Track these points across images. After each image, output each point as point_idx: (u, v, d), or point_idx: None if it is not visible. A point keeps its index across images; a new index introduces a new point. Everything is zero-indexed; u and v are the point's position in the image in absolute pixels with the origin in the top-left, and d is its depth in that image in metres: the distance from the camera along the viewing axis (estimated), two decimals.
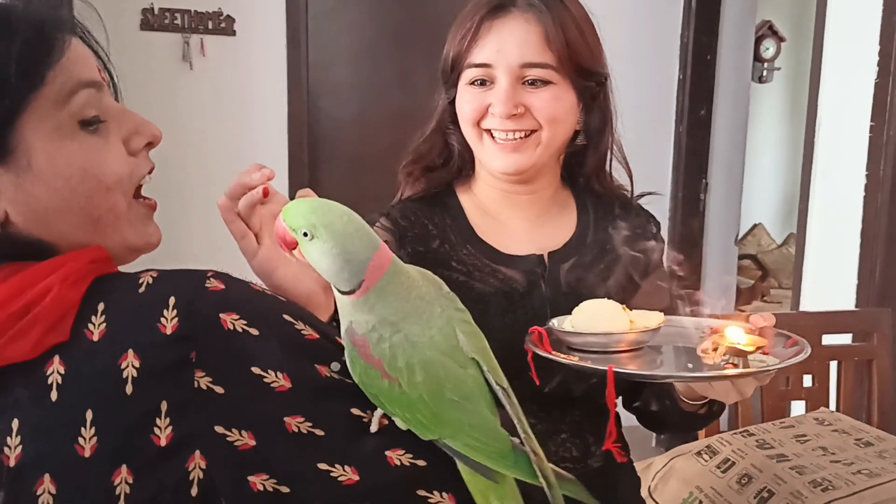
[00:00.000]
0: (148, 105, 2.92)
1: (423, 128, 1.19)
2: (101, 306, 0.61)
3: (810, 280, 2.64)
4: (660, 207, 3.43)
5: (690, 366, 0.94)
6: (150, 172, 0.73)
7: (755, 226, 5.50)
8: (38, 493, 0.58)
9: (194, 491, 0.58)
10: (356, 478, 0.60)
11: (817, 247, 2.61)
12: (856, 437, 1.43)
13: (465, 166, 1.18)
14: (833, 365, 1.90)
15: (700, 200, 3.46)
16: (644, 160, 3.53)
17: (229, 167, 3.07)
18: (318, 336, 0.65)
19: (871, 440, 1.42)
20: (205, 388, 0.59)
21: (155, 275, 0.63)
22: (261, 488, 0.59)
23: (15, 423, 0.58)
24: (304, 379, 0.61)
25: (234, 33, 2.95)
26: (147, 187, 0.74)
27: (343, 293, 0.64)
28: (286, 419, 0.60)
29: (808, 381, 1.89)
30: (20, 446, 0.58)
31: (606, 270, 1.15)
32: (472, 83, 1.08)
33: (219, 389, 0.59)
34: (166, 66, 2.90)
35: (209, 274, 0.63)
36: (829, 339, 1.93)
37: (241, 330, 0.60)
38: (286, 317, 0.65)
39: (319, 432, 0.60)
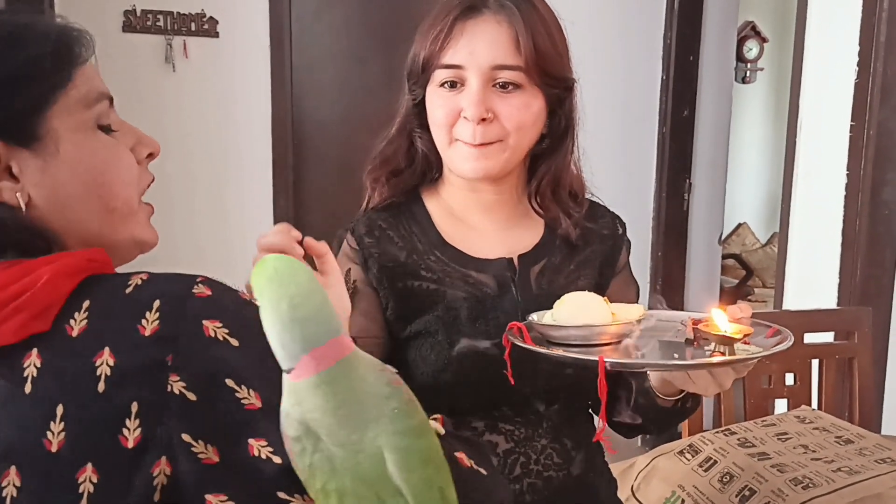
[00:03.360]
0: (131, 107, 2.90)
1: (385, 131, 1.17)
2: (86, 303, 0.62)
3: (793, 279, 2.66)
4: (643, 208, 3.46)
5: (676, 356, 0.94)
6: (149, 185, 0.78)
7: (740, 225, 5.54)
8: (2, 484, 0.58)
9: (157, 496, 0.58)
10: None
11: (799, 246, 2.63)
12: (836, 435, 1.45)
13: (430, 169, 1.17)
14: (815, 363, 1.92)
15: (684, 200, 3.48)
16: (627, 160, 3.54)
17: (213, 169, 3.08)
18: None
19: (851, 438, 1.43)
20: (178, 392, 0.58)
21: (145, 277, 0.64)
22: None
23: None
24: (273, 402, 0.60)
25: (217, 35, 2.94)
26: None
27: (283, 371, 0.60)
28: (250, 440, 0.59)
29: (790, 379, 1.90)
30: None
31: (576, 271, 1.15)
32: (443, 85, 1.07)
33: (191, 396, 0.59)
34: (149, 69, 2.88)
35: (198, 279, 0.64)
36: (810, 338, 1.95)
37: (221, 339, 0.60)
38: None
39: (278, 460, 0.59)
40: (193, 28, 2.89)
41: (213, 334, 0.60)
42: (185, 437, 0.58)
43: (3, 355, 0.60)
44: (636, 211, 3.51)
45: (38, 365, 0.60)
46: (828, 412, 1.79)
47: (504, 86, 1.05)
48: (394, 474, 0.57)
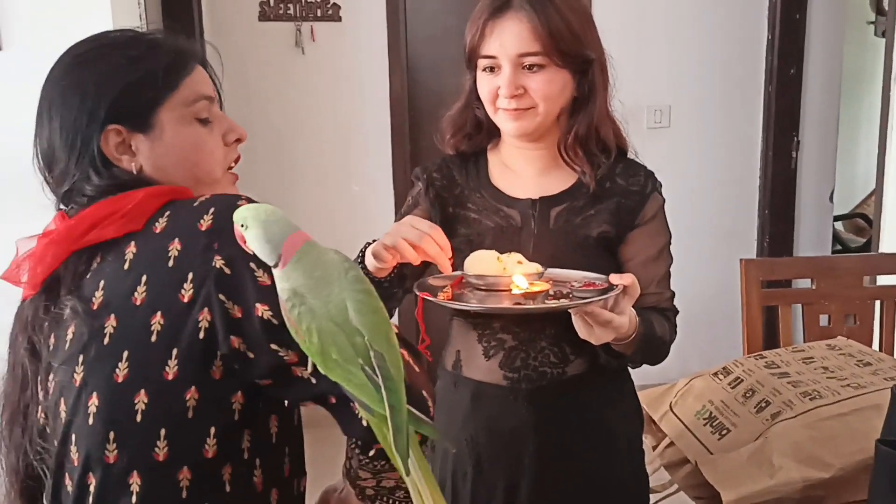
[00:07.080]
0: (267, 87, 3.31)
1: (455, 104, 1.47)
2: (167, 212, 0.91)
3: (889, 228, 2.70)
4: (750, 166, 3.50)
5: (517, 304, 1.21)
6: (236, 162, 1.06)
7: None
8: (105, 326, 0.87)
9: (202, 335, 0.86)
10: (296, 360, 0.86)
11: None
12: (858, 359, 1.57)
13: (493, 133, 1.45)
14: (877, 304, 2.01)
15: (792, 158, 3.51)
16: (733, 119, 3.59)
17: (338, 138, 3.44)
18: None
19: (871, 361, 1.56)
20: (218, 267, 0.86)
21: (208, 195, 0.92)
22: (236, 346, 0.86)
23: (101, 283, 0.90)
24: (275, 285, 0.83)
25: (340, 19, 3.28)
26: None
27: (272, 267, 0.83)
28: (257, 304, 0.85)
29: (850, 320, 2.00)
30: (102, 294, 0.89)
31: (595, 216, 1.37)
32: (485, 70, 1.35)
33: (227, 270, 0.86)
34: (282, 53, 3.26)
35: (242, 197, 0.90)
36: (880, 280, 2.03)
37: None
38: None
39: (275, 322, 0.84)
40: (319, 14, 3.24)
41: None
42: (221, 296, 0.85)
43: (112, 247, 0.90)
44: (743, 169, 3.58)
45: (134, 251, 0.89)
46: (888, 353, 1.88)
47: (530, 67, 1.31)
48: (353, 318, 0.80)
